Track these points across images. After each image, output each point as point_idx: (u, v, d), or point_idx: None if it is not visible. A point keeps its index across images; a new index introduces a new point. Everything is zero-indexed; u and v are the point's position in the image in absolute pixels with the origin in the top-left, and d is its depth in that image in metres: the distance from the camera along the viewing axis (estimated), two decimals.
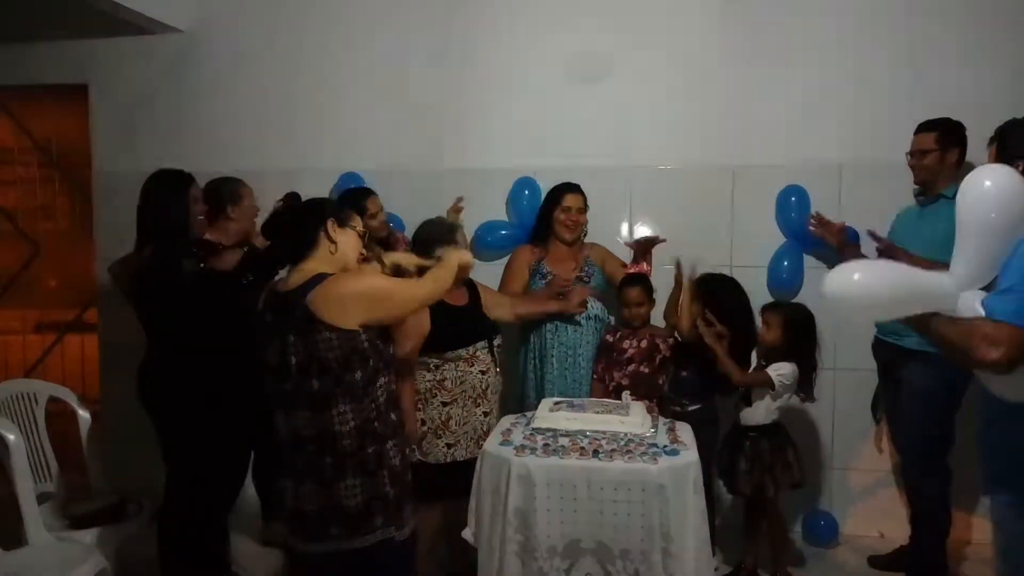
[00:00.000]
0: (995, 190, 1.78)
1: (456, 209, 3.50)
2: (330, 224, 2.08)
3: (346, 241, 2.11)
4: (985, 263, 1.82)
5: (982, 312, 1.75)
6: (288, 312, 1.99)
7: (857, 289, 1.73)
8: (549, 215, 3.39)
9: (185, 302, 2.66)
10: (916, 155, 3.05)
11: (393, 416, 2.13)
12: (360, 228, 2.19)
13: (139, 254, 2.77)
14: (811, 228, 3.35)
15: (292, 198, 2.93)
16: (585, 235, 3.47)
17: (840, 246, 3.20)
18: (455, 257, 2.30)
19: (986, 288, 1.87)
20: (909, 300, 1.78)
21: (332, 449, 2.00)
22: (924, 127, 3.05)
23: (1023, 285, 1.70)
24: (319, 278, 2.00)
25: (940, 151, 2.99)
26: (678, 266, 3.17)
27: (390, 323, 2.17)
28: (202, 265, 2.65)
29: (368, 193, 3.29)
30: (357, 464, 2.01)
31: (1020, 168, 1.94)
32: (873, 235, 3.06)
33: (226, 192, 3.05)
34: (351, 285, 2.02)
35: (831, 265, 3.42)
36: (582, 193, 3.39)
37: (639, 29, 3.69)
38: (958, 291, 1.83)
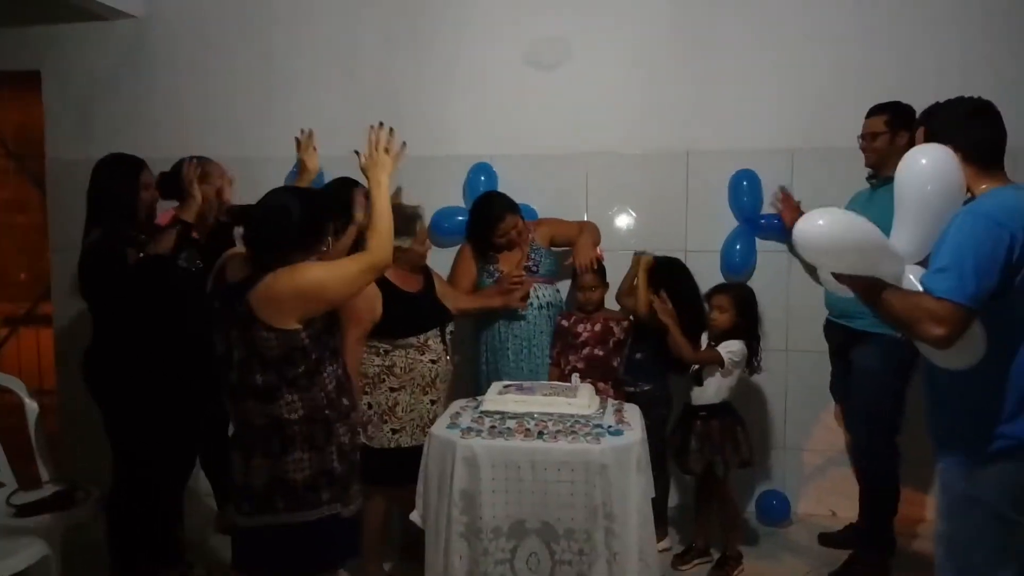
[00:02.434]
0: (930, 167, 1.88)
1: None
2: (331, 241, 2.11)
3: (336, 247, 2.15)
4: (922, 238, 1.92)
5: (920, 288, 1.84)
6: (231, 307, 1.99)
7: (821, 232, 1.83)
8: (486, 237, 3.30)
9: (127, 288, 2.64)
10: (867, 138, 3.09)
11: (345, 401, 2.13)
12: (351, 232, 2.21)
13: (85, 239, 2.75)
14: (775, 198, 3.41)
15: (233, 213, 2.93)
16: (532, 215, 3.48)
17: (792, 226, 3.24)
18: (382, 185, 2.14)
19: (921, 264, 1.97)
20: (869, 252, 1.86)
21: (281, 432, 2.01)
22: (874, 111, 3.09)
23: (956, 263, 1.78)
24: (259, 274, 1.98)
25: (890, 134, 3.03)
26: (651, 259, 3.25)
27: (336, 307, 2.14)
28: (141, 255, 2.63)
29: (354, 185, 3.26)
30: (305, 440, 2.02)
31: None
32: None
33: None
34: (285, 284, 1.96)
35: (784, 248, 3.55)
36: (510, 209, 3.29)
37: (594, 15, 3.69)
38: (904, 260, 1.93)
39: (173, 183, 2.87)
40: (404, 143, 2.26)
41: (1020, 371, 1.85)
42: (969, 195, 1.95)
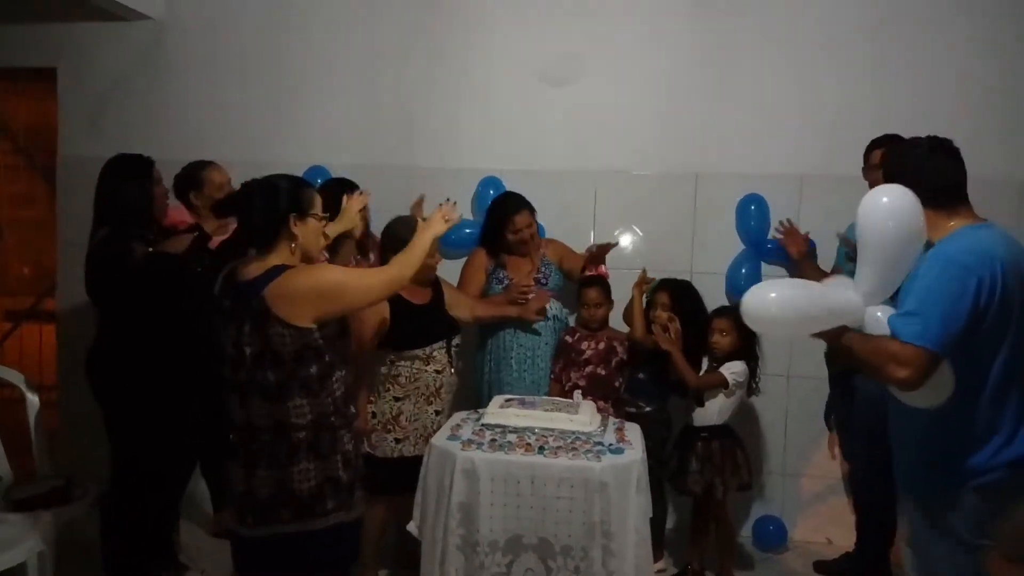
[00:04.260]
0: (890, 206, 1.88)
1: (419, 206, 3.50)
2: (291, 220, 2.03)
3: (307, 233, 2.07)
4: (886, 278, 1.94)
5: (887, 330, 1.87)
6: (245, 302, 1.98)
7: (773, 308, 1.87)
8: (498, 233, 3.36)
9: (133, 286, 2.65)
10: (869, 170, 3.10)
11: (351, 409, 2.16)
12: (320, 214, 2.13)
13: (93, 238, 2.76)
14: (776, 233, 3.40)
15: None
16: (541, 232, 3.50)
17: (799, 258, 3.25)
18: (427, 236, 2.27)
19: (889, 301, 1.99)
20: (822, 317, 1.91)
21: (287, 439, 2.00)
22: (873, 144, 3.11)
23: (923, 308, 1.81)
24: (277, 271, 1.99)
25: None
26: (642, 273, 3.24)
27: (350, 314, 2.17)
28: (151, 249, 2.63)
29: (348, 187, 3.27)
30: (311, 449, 2.02)
31: None
32: (842, 238, 3.11)
33: (186, 178, 3.03)
34: (303, 281, 1.99)
35: (789, 273, 3.56)
36: (527, 206, 3.36)
37: (607, 34, 3.73)
38: (864, 306, 1.95)
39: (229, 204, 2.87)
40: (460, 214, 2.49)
41: (985, 410, 1.88)
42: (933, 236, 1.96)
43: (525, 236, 3.33)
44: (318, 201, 2.13)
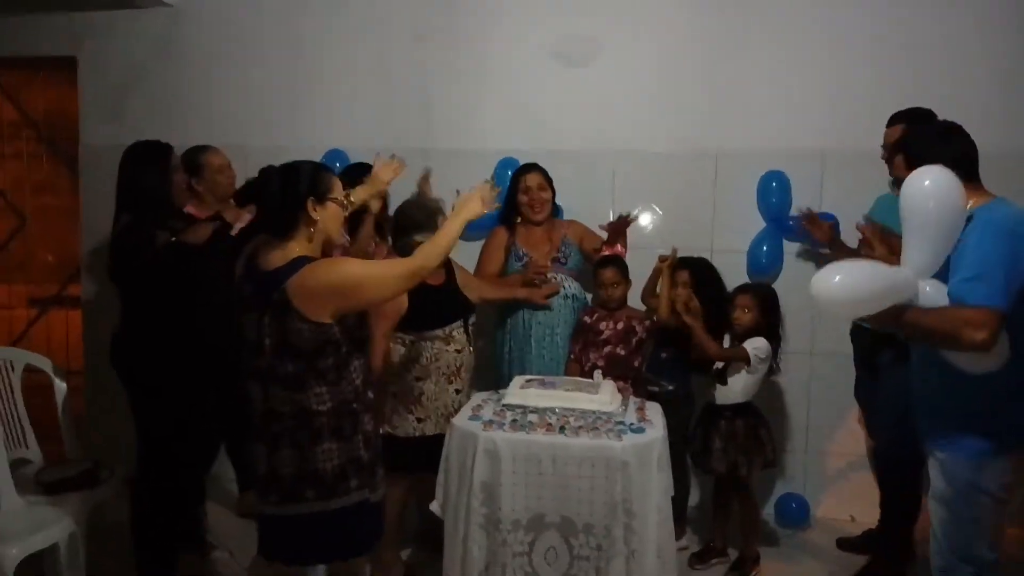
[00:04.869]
0: (933, 187, 1.99)
1: (425, 180, 3.45)
2: (309, 205, 2.03)
3: (326, 217, 2.07)
4: (932, 255, 2.03)
5: (940, 303, 1.98)
6: (266, 293, 1.99)
7: (840, 290, 1.93)
8: (513, 198, 3.42)
9: (155, 274, 2.68)
10: (887, 148, 3.06)
11: (370, 394, 2.15)
12: (341, 197, 2.12)
13: (116, 225, 2.78)
14: (798, 218, 3.35)
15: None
16: (559, 214, 3.49)
17: (830, 243, 3.22)
18: (460, 221, 2.17)
19: (937, 277, 2.07)
20: (886, 293, 1.96)
21: (308, 424, 2.02)
22: (893, 120, 3.06)
23: (985, 271, 1.93)
24: (299, 262, 1.99)
25: None
26: (673, 252, 3.24)
27: (371, 307, 2.16)
28: (174, 239, 2.65)
29: (369, 171, 3.28)
30: (333, 431, 2.03)
31: None
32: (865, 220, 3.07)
33: (188, 163, 3.03)
34: (324, 277, 1.98)
35: (811, 250, 3.53)
36: (541, 171, 3.41)
37: (624, 13, 3.68)
38: (917, 281, 2.02)
39: (249, 192, 2.90)
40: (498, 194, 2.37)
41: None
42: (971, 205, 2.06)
43: (535, 195, 3.36)
44: (338, 185, 2.13)
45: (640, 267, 3.36)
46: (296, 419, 2.02)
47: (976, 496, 2.06)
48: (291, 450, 2.02)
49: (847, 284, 1.92)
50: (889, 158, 3.05)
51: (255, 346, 2.02)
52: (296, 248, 2.03)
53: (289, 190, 2.05)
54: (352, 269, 2.06)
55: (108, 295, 3.01)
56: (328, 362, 2.02)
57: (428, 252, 2.10)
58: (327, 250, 2.18)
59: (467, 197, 2.23)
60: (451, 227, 2.16)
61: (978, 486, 2.06)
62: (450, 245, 2.14)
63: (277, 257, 2.02)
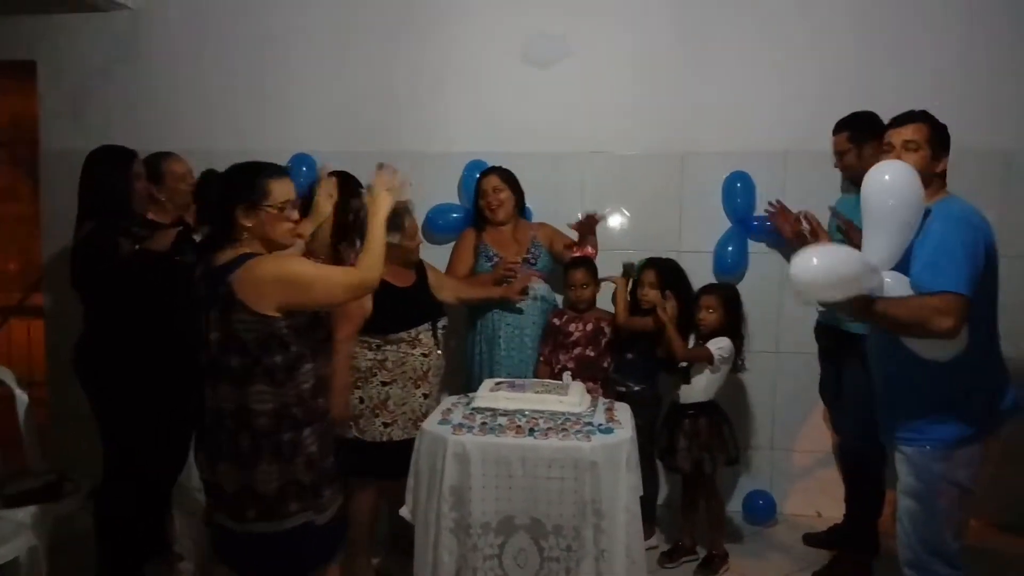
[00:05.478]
0: (893, 181, 2.05)
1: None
2: (239, 213, 2.00)
3: (262, 224, 2.02)
4: (892, 247, 2.09)
5: (907, 290, 2.05)
6: (213, 288, 1.98)
7: (819, 271, 1.96)
8: (477, 202, 3.46)
9: (121, 281, 2.64)
10: (837, 156, 3.14)
11: (320, 401, 2.11)
12: (280, 203, 2.03)
13: (78, 232, 2.74)
14: (768, 212, 3.42)
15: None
16: (529, 216, 3.51)
17: (793, 236, 3.27)
18: (378, 221, 2.14)
19: (896, 269, 2.12)
20: (859, 276, 2.00)
21: (249, 428, 1.98)
22: (836, 128, 3.13)
23: (949, 260, 2.00)
24: (245, 257, 1.99)
25: (855, 148, 3.06)
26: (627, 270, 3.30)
27: (318, 308, 2.11)
28: (138, 247, 2.62)
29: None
30: (273, 450, 1.99)
31: (945, 162, 2.23)
32: (833, 211, 3.16)
33: (148, 170, 2.98)
34: (269, 269, 1.97)
35: (776, 250, 3.58)
36: (499, 173, 3.44)
37: (593, 14, 3.71)
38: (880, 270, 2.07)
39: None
40: (406, 180, 2.28)
41: (984, 364, 2.15)
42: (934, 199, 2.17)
43: (490, 198, 3.40)
44: (279, 191, 2.04)
45: (609, 269, 3.38)
46: (236, 418, 1.99)
47: (945, 488, 2.12)
48: (231, 464, 2.00)
49: (825, 266, 1.95)
50: (840, 165, 3.12)
51: (205, 343, 2.01)
52: (245, 248, 2.02)
53: (218, 197, 2.06)
54: (301, 267, 2.06)
55: (71, 304, 2.96)
56: (275, 360, 1.98)
57: (368, 264, 2.11)
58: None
59: (375, 194, 2.19)
60: (374, 232, 2.15)
61: (947, 478, 2.11)
62: (381, 251, 2.13)
63: (227, 255, 2.01)
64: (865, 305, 2.02)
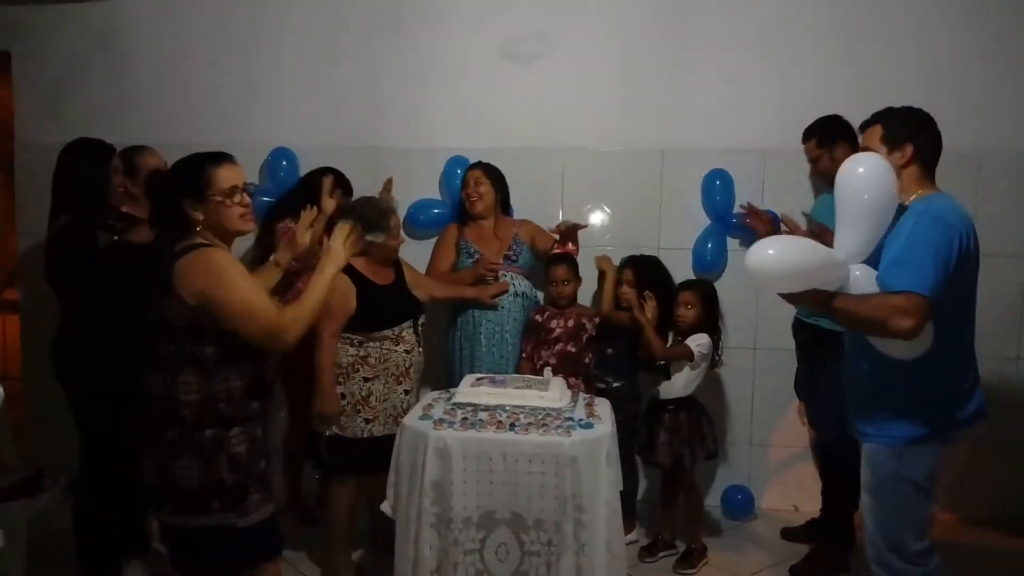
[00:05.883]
0: (866, 175, 2.03)
1: (387, 189, 3.48)
2: (186, 206, 1.98)
3: (212, 214, 1.99)
4: (863, 241, 2.06)
5: (870, 289, 2.01)
6: (160, 273, 1.97)
7: (772, 262, 1.95)
8: (461, 195, 3.48)
9: (100, 274, 2.62)
10: (811, 164, 3.21)
11: (255, 404, 2.04)
12: (222, 191, 1.98)
13: (52, 224, 2.71)
14: (741, 214, 3.45)
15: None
16: (510, 212, 3.52)
17: (767, 235, 3.30)
18: (328, 273, 2.12)
19: (867, 263, 2.10)
20: (818, 269, 1.99)
21: (172, 417, 1.95)
22: (804, 137, 3.20)
23: (915, 259, 1.97)
24: (195, 246, 1.97)
25: (826, 153, 3.13)
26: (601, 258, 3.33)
27: (224, 318, 1.95)
28: (117, 238, 2.60)
29: (323, 173, 3.32)
30: (194, 446, 1.95)
31: (909, 151, 2.15)
32: (808, 218, 3.22)
33: (123, 164, 2.96)
34: (202, 256, 1.94)
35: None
36: (483, 168, 3.45)
37: (574, 10, 3.72)
38: (848, 264, 2.06)
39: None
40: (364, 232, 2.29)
41: (954, 365, 2.12)
42: (914, 196, 2.13)
43: (471, 191, 3.41)
44: (225, 179, 2.00)
45: (590, 266, 3.41)
46: (162, 406, 1.96)
47: (897, 485, 2.11)
48: (151, 459, 1.98)
49: (780, 257, 1.95)
50: (815, 171, 3.18)
51: (143, 326, 2.00)
52: (200, 239, 1.99)
53: (165, 191, 2.06)
54: (227, 264, 1.97)
55: (47, 299, 2.93)
56: (205, 351, 1.94)
57: (294, 317, 2.01)
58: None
59: (333, 249, 2.16)
60: (316, 287, 2.08)
61: (899, 475, 2.11)
62: (316, 308, 2.06)
63: (185, 244, 1.98)
64: (824, 300, 2.01)
